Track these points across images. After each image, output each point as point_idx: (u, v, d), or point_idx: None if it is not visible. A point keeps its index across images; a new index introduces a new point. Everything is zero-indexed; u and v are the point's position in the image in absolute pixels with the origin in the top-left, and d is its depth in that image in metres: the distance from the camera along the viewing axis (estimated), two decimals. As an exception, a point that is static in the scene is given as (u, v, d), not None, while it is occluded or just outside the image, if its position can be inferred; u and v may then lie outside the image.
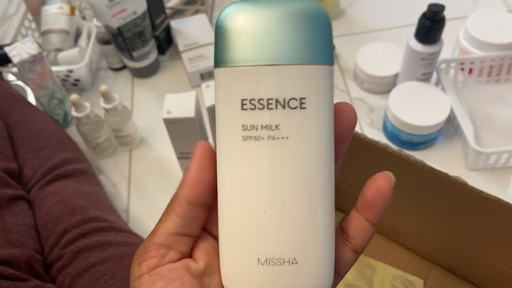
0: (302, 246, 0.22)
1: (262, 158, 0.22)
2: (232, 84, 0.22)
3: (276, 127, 0.21)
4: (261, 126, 0.21)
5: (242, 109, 0.21)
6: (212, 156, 0.23)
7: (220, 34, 0.22)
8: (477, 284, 0.58)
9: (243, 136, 0.22)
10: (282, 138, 0.21)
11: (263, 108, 0.21)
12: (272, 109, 0.21)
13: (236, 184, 0.22)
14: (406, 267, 0.60)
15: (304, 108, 0.21)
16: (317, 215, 0.22)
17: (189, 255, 0.24)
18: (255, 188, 0.22)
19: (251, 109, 0.21)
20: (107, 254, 0.51)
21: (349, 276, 0.59)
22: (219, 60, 0.22)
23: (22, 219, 0.54)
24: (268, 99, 0.21)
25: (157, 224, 0.23)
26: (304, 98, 0.21)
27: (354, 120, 0.23)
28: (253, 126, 0.21)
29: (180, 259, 0.23)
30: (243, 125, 0.22)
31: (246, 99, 0.21)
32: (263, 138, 0.21)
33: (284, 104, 0.21)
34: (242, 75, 0.21)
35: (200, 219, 0.23)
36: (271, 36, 0.21)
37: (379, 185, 0.24)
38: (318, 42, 0.22)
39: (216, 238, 0.25)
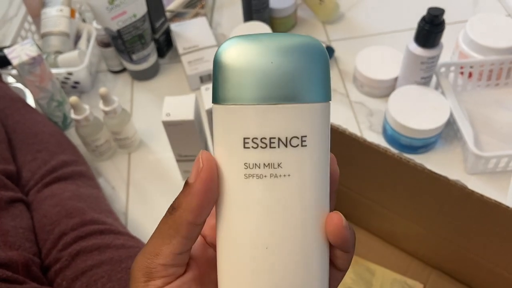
0: (302, 281, 0.23)
1: (265, 195, 0.22)
2: (234, 122, 0.22)
3: (279, 165, 0.22)
4: (264, 164, 0.22)
5: (244, 147, 0.22)
6: (216, 173, 0.23)
7: (220, 70, 0.22)
8: (476, 288, 0.58)
9: (245, 174, 0.22)
10: (284, 175, 0.22)
11: (266, 146, 0.22)
12: (274, 147, 0.22)
13: (239, 220, 0.22)
14: (405, 271, 0.60)
15: (305, 146, 0.22)
16: (315, 250, 0.23)
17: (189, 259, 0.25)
18: (257, 223, 0.22)
19: (253, 147, 0.22)
20: (105, 257, 0.51)
21: (348, 280, 0.59)
22: (220, 97, 0.22)
23: (20, 221, 0.54)
24: (270, 138, 0.22)
25: (157, 242, 0.23)
26: (305, 136, 0.22)
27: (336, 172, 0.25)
28: (255, 164, 0.22)
29: (185, 270, 0.24)
30: (245, 164, 0.22)
31: (248, 138, 0.22)
32: (265, 176, 0.22)
33: (286, 143, 0.22)
34: (244, 114, 0.22)
35: (201, 230, 0.24)
36: (273, 76, 0.21)
37: (332, 228, 0.23)
38: (318, 80, 0.22)
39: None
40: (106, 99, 0.68)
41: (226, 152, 0.22)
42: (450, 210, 0.52)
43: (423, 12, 0.67)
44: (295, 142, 0.22)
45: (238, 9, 0.93)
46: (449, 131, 0.74)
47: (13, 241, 0.51)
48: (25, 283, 0.47)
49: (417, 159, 0.70)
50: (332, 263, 0.24)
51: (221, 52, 0.22)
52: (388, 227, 0.61)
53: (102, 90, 0.66)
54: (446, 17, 0.66)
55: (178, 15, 0.97)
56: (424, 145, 0.71)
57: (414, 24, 0.69)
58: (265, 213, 0.22)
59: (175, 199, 0.23)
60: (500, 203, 0.46)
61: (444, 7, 0.66)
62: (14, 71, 0.81)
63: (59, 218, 0.55)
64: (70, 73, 0.82)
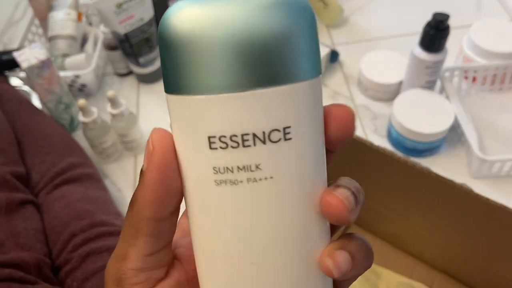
0: None
1: (244, 203, 0.17)
2: (195, 117, 0.17)
3: (257, 167, 0.17)
4: (238, 167, 0.17)
5: (211, 148, 0.17)
6: (174, 154, 0.18)
7: (167, 48, 0.17)
8: (481, 291, 0.58)
9: (215, 181, 0.17)
10: (266, 179, 0.17)
11: (238, 146, 0.17)
12: (249, 146, 0.17)
13: (217, 234, 0.18)
14: (411, 274, 0.60)
15: (290, 139, 0.17)
16: (308, 262, 0.19)
17: (172, 260, 0.21)
18: (239, 237, 0.18)
19: (222, 148, 0.17)
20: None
21: (354, 282, 0.59)
22: (173, 85, 0.17)
23: (31, 223, 0.55)
24: (242, 135, 0.17)
25: (122, 244, 0.20)
26: (289, 127, 0.17)
27: (349, 130, 0.19)
28: (227, 168, 0.17)
29: (166, 272, 0.21)
30: (214, 168, 0.17)
31: (214, 137, 0.17)
32: (241, 181, 0.17)
33: (264, 139, 0.17)
34: (205, 107, 0.16)
35: (172, 226, 0.20)
36: (238, 53, 0.16)
37: (340, 117, 0.18)
38: (302, 51, 0.16)
39: None
40: (114, 102, 0.68)
41: (190, 154, 0.18)
42: (456, 213, 0.52)
43: (428, 17, 0.68)
44: (275, 136, 0.17)
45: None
46: (453, 135, 0.74)
47: (25, 242, 0.51)
48: (37, 284, 0.47)
49: (422, 162, 0.70)
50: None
51: (166, 22, 0.16)
52: (394, 230, 0.61)
53: (110, 93, 0.67)
54: (450, 22, 0.66)
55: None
56: (429, 148, 0.71)
57: (419, 29, 0.69)
58: (245, 224, 0.18)
59: (133, 194, 0.19)
60: (506, 207, 0.47)
61: (448, 12, 0.66)
62: (22, 74, 0.82)
63: (69, 219, 0.55)
64: (77, 76, 0.83)
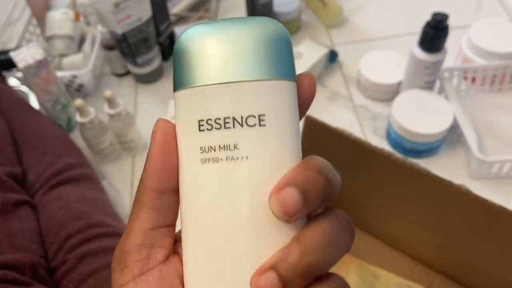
0: None
1: (222, 181, 0.20)
2: (189, 106, 0.21)
3: (235, 146, 0.20)
4: (219, 146, 0.20)
5: (200, 130, 0.21)
6: (174, 136, 0.21)
7: (176, 58, 0.22)
8: (480, 292, 0.58)
9: (201, 159, 0.21)
10: (242, 158, 0.20)
11: (220, 127, 0.20)
12: (229, 128, 0.20)
13: (197, 210, 0.21)
14: (409, 275, 0.60)
15: (264, 125, 0.20)
16: (282, 239, 0.20)
17: (173, 246, 0.22)
18: (216, 214, 0.20)
19: (208, 129, 0.20)
20: (111, 260, 0.51)
21: (352, 284, 0.59)
22: (175, 84, 0.22)
23: (27, 224, 0.54)
24: (225, 118, 0.20)
25: (129, 222, 0.21)
26: (263, 115, 0.20)
27: (312, 92, 0.22)
28: (211, 147, 0.20)
29: (166, 256, 0.22)
30: (201, 147, 0.21)
31: (202, 120, 0.20)
32: (221, 159, 0.20)
33: (242, 122, 0.20)
34: (197, 96, 0.21)
35: (174, 205, 0.22)
36: (223, 55, 0.20)
37: (305, 82, 0.22)
38: (274, 57, 0.21)
39: None
40: (111, 102, 0.68)
41: (183, 138, 0.21)
42: (454, 214, 0.52)
43: (427, 17, 0.67)
44: (251, 121, 0.20)
45: (241, 13, 0.94)
46: (453, 135, 0.74)
47: (20, 243, 0.51)
48: (32, 285, 0.47)
49: (421, 163, 0.70)
50: None
51: (176, 41, 0.22)
52: (392, 231, 0.61)
53: (108, 93, 0.67)
54: (450, 22, 0.66)
55: (182, 19, 0.97)
56: (428, 149, 0.71)
57: (418, 29, 0.69)
58: (222, 201, 0.20)
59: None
60: (505, 208, 0.47)
61: (447, 12, 0.66)
62: (19, 74, 0.81)
63: (65, 220, 0.55)
64: (74, 76, 0.82)
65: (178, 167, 0.21)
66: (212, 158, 0.20)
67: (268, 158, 0.20)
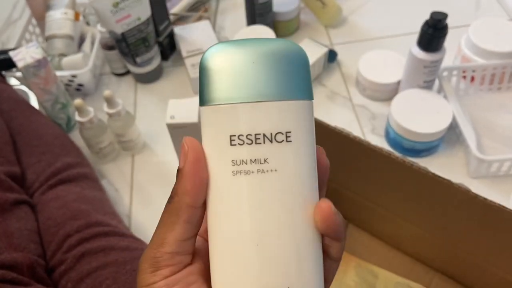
0: (294, 275, 0.23)
1: (253, 190, 0.22)
2: (220, 121, 0.23)
3: (265, 160, 0.22)
4: (250, 160, 0.22)
5: (231, 145, 0.22)
6: (203, 153, 0.23)
7: (204, 73, 0.23)
8: (479, 292, 0.58)
9: (233, 171, 0.22)
10: (271, 170, 0.22)
11: (252, 143, 0.22)
12: (260, 143, 0.22)
13: (229, 217, 0.23)
14: (408, 274, 0.60)
15: (290, 141, 0.23)
16: (307, 243, 0.23)
17: (195, 250, 0.25)
18: (247, 220, 0.23)
19: (239, 144, 0.22)
20: (109, 259, 0.51)
21: (351, 282, 0.59)
22: (205, 99, 0.23)
23: (25, 223, 0.54)
24: (256, 134, 0.22)
25: (161, 231, 0.24)
26: (289, 132, 0.23)
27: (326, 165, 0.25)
28: (242, 161, 0.22)
29: (192, 261, 0.24)
30: (232, 161, 0.22)
31: (234, 135, 0.22)
32: (252, 172, 0.22)
33: (271, 138, 0.22)
34: (229, 113, 0.22)
35: (202, 217, 0.24)
36: (254, 75, 0.22)
37: (320, 215, 0.23)
38: (298, 80, 0.23)
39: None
40: (110, 101, 0.68)
41: (214, 151, 0.23)
42: (454, 213, 0.52)
43: (426, 16, 0.67)
44: (280, 137, 0.22)
45: (241, 13, 0.94)
46: (452, 135, 0.74)
47: (18, 242, 0.51)
48: (30, 285, 0.47)
49: (420, 162, 0.70)
50: (325, 254, 0.24)
51: (205, 57, 0.23)
52: (392, 230, 0.61)
53: (107, 92, 0.67)
54: (449, 21, 0.66)
55: (181, 19, 0.97)
56: (427, 148, 0.71)
57: (417, 28, 0.69)
58: (254, 208, 0.22)
59: (172, 190, 0.24)
60: (504, 207, 0.46)
61: (446, 12, 0.66)
62: (18, 74, 0.81)
63: (63, 220, 0.55)
64: (74, 76, 0.82)
65: (207, 183, 0.23)
66: (244, 171, 0.22)
67: (294, 171, 0.23)
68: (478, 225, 0.51)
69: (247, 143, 0.22)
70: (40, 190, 0.60)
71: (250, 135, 0.22)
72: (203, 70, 0.23)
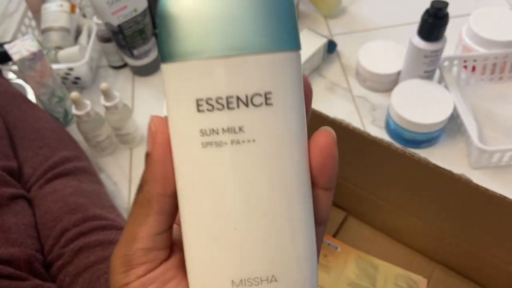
0: (281, 261, 0.20)
1: (227, 165, 0.19)
2: (184, 82, 0.18)
3: (240, 129, 0.18)
4: (222, 129, 0.18)
5: (199, 111, 0.18)
6: (169, 137, 0.20)
7: (162, 22, 0.19)
8: (481, 283, 0.57)
9: (202, 143, 0.19)
10: (248, 141, 0.18)
11: (223, 108, 0.18)
12: (233, 108, 0.18)
13: (200, 198, 0.19)
14: (409, 266, 0.60)
15: (271, 104, 0.18)
16: (294, 225, 0.20)
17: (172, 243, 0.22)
18: (222, 200, 0.19)
19: (208, 110, 0.18)
20: (107, 253, 0.51)
21: (352, 275, 0.58)
22: (165, 54, 0.19)
23: (22, 218, 0.54)
24: (227, 97, 0.18)
25: (132, 226, 0.21)
26: (270, 93, 0.18)
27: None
28: (213, 130, 0.18)
29: (169, 253, 0.22)
30: (201, 130, 0.18)
31: (201, 99, 0.18)
32: (225, 143, 0.18)
33: (247, 102, 0.18)
34: (194, 71, 0.18)
35: (175, 206, 0.21)
36: (224, 21, 0.18)
37: (321, 145, 0.20)
38: (281, 25, 0.18)
39: None
40: (107, 94, 0.67)
41: (178, 118, 0.19)
42: (455, 204, 0.51)
43: (426, 6, 0.66)
44: (257, 100, 0.18)
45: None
46: (453, 125, 0.73)
47: (15, 237, 0.50)
48: (27, 280, 0.47)
49: (421, 153, 0.69)
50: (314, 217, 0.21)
51: (163, 1, 0.19)
52: (392, 222, 0.60)
53: (103, 85, 0.66)
54: (449, 10, 0.65)
55: (179, 10, 0.96)
56: (428, 139, 0.70)
57: (417, 18, 0.68)
58: (228, 187, 0.19)
59: (141, 178, 0.21)
60: (505, 197, 0.46)
61: (447, 0, 0.65)
62: (14, 67, 0.80)
63: (61, 214, 0.55)
64: (71, 69, 0.82)
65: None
66: (215, 142, 0.18)
67: (277, 141, 0.19)
68: (479, 216, 0.50)
69: (217, 109, 0.18)
70: (37, 184, 0.60)
71: (221, 98, 0.18)
72: (160, 17, 0.19)
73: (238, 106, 0.18)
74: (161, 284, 0.21)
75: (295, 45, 0.19)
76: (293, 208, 0.20)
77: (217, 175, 0.19)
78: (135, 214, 0.21)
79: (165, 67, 0.19)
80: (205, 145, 0.19)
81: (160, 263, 0.21)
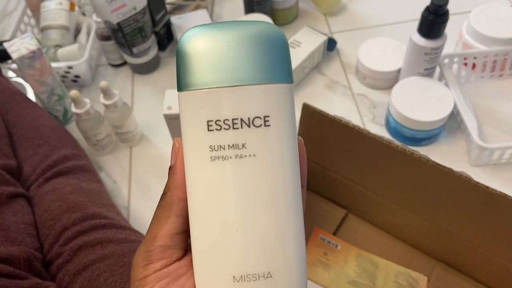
0: (276, 260, 0.23)
1: (232, 176, 0.22)
2: (197, 106, 0.22)
3: (243, 145, 0.22)
4: (228, 145, 0.22)
5: (208, 130, 0.22)
6: None
7: (181, 58, 0.23)
8: (481, 280, 0.57)
9: (211, 157, 0.22)
10: (249, 156, 0.22)
11: (229, 128, 0.22)
12: (237, 128, 0.22)
13: (208, 203, 0.23)
14: (409, 263, 0.60)
15: (268, 125, 0.22)
16: (287, 228, 0.23)
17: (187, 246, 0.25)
18: (226, 206, 0.23)
19: (217, 129, 0.22)
20: (107, 252, 0.51)
21: (352, 272, 0.58)
22: (182, 84, 0.23)
23: (21, 216, 0.54)
24: (233, 119, 0.22)
25: (154, 226, 0.24)
26: (268, 116, 0.22)
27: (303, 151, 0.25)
28: (220, 146, 0.22)
29: (183, 255, 0.25)
30: (210, 146, 0.22)
31: (211, 120, 0.22)
32: (230, 157, 0.22)
33: (249, 123, 0.22)
34: (205, 98, 0.22)
35: None
36: (231, 58, 0.22)
37: (301, 152, 0.25)
38: (277, 62, 0.23)
39: None
40: (106, 92, 0.67)
41: (191, 137, 0.23)
42: (455, 202, 0.51)
43: (426, 3, 0.66)
44: (258, 122, 0.22)
45: (239, 1, 0.92)
46: (453, 123, 0.73)
47: (15, 236, 0.50)
48: (27, 278, 0.46)
49: (421, 151, 0.69)
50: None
51: (182, 41, 0.23)
52: (392, 220, 0.60)
53: (103, 83, 0.66)
54: (450, 8, 0.65)
55: (178, 8, 0.96)
56: (428, 137, 0.70)
57: (417, 15, 0.68)
58: (232, 194, 0.22)
59: (165, 187, 0.24)
60: (505, 195, 0.46)
61: (447, -3, 0.65)
62: (14, 65, 0.80)
63: (60, 212, 0.54)
64: (70, 67, 0.81)
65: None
66: (222, 156, 0.22)
67: (273, 156, 0.23)
68: (479, 213, 0.50)
69: (224, 128, 0.22)
70: (36, 183, 0.60)
71: (228, 120, 0.22)
72: (179, 54, 0.23)
73: (241, 127, 0.22)
74: (173, 278, 0.24)
75: (289, 79, 0.23)
76: (287, 213, 0.23)
77: (222, 184, 0.22)
78: (157, 216, 0.24)
79: (181, 95, 0.23)
80: (213, 158, 0.22)
81: (175, 260, 0.24)
